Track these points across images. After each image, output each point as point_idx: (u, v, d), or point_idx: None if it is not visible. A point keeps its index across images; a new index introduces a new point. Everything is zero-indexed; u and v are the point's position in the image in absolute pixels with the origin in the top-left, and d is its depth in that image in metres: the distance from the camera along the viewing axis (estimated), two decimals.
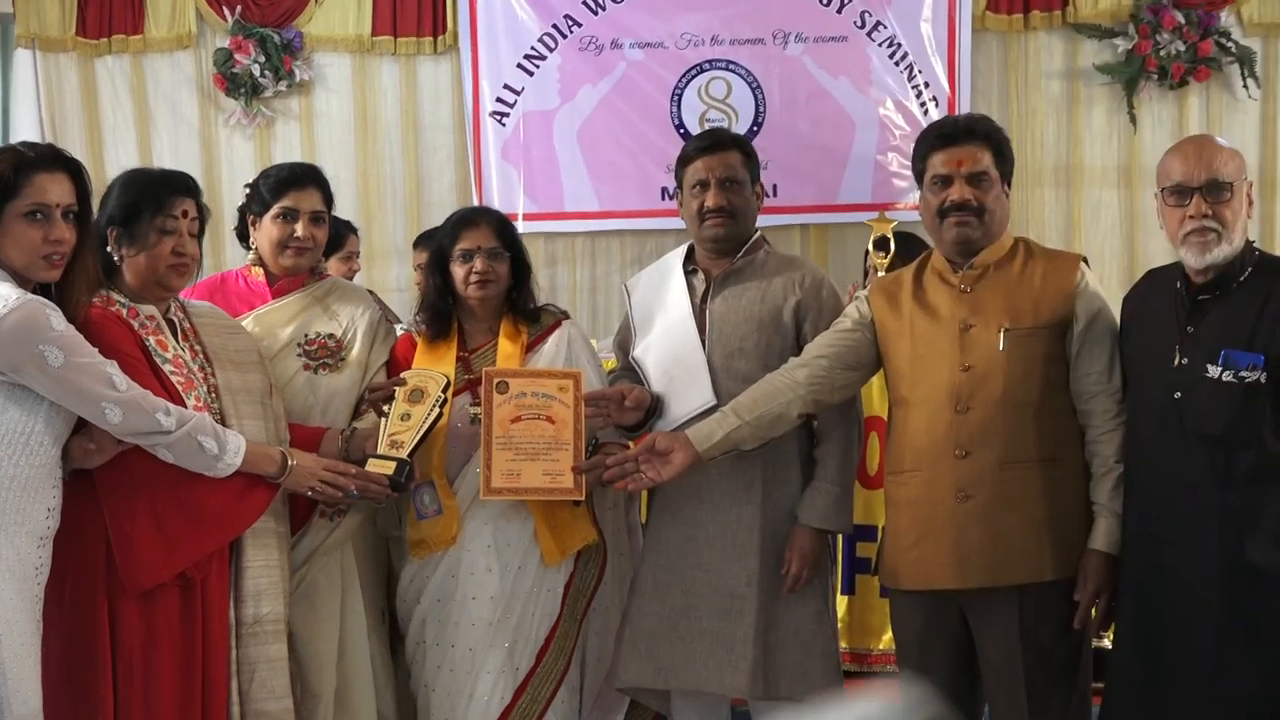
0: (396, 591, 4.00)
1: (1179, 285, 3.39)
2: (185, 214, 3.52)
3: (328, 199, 4.03)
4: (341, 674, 3.86)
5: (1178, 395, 3.29)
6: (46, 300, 3.14)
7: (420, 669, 3.92)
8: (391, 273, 7.54)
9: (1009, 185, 3.71)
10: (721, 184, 3.93)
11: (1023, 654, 3.49)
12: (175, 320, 3.60)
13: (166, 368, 3.44)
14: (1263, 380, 3.19)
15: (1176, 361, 3.31)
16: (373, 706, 3.93)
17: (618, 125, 7.43)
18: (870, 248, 5.64)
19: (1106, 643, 4.12)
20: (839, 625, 4.46)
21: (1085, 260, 3.69)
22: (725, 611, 3.81)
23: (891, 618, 3.91)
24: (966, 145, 3.64)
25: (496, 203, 7.10)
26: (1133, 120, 7.29)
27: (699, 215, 3.96)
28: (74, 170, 3.24)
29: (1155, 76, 7.21)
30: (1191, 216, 3.29)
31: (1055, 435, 3.53)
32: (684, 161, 4.05)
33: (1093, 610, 3.50)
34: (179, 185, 3.57)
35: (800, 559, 3.80)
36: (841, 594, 4.96)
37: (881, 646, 5.02)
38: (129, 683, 3.27)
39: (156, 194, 3.52)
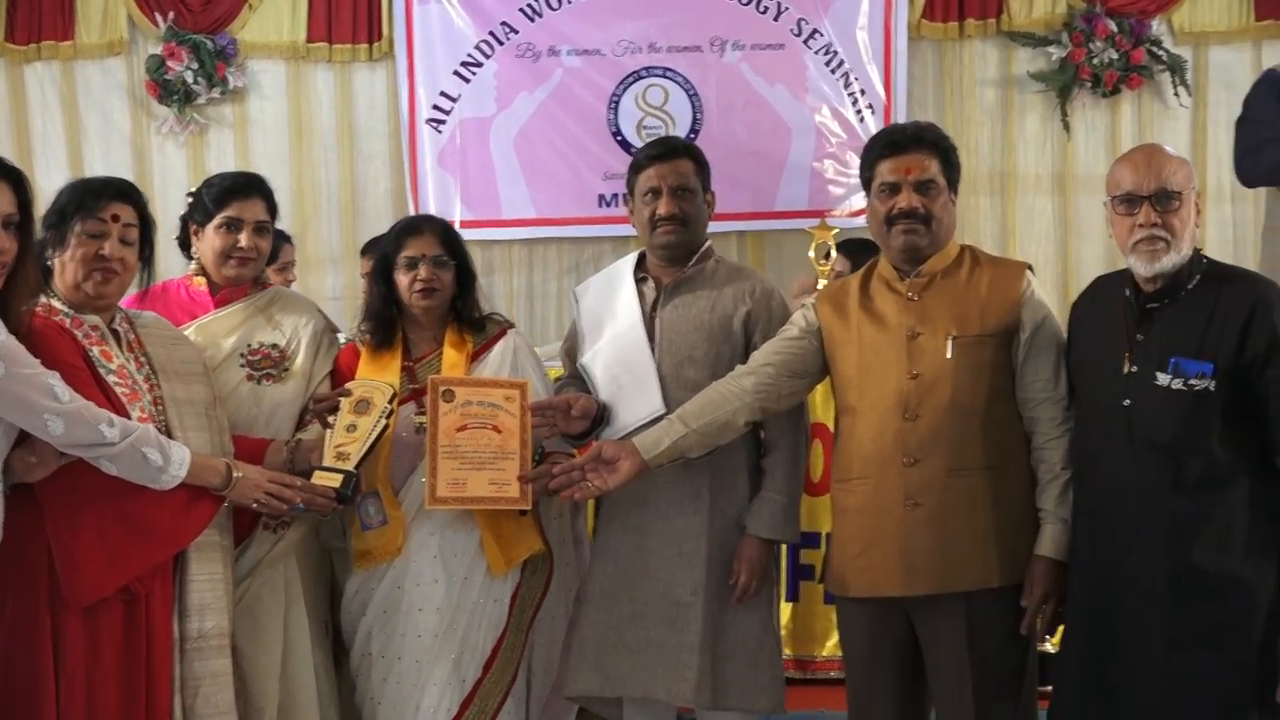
0: (341, 604, 3.96)
1: (1128, 293, 3.40)
2: (116, 218, 3.45)
3: (272, 209, 3.98)
4: (285, 687, 3.81)
5: (1126, 402, 3.30)
6: None
7: (366, 681, 3.89)
8: (327, 281, 7.51)
9: (955, 193, 3.72)
10: (673, 192, 3.92)
11: (970, 661, 3.49)
12: (120, 330, 3.54)
13: (110, 379, 3.39)
14: (1211, 388, 3.20)
15: (1126, 369, 3.33)
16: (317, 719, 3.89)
17: (555, 132, 7.44)
18: (811, 254, 5.64)
19: (1049, 647, 4.16)
20: (783, 632, 4.46)
21: (1030, 268, 3.70)
22: (672, 620, 3.80)
23: (839, 625, 3.91)
24: (914, 153, 3.65)
25: (433, 210, 7.10)
26: (1066, 127, 7.39)
27: (650, 223, 3.95)
28: (14, 179, 3.17)
29: (1089, 84, 7.32)
30: (1141, 225, 3.30)
31: (1002, 442, 3.54)
32: (635, 169, 4.03)
33: (1039, 616, 3.51)
34: (110, 190, 3.51)
35: (749, 569, 3.80)
36: (785, 601, 4.96)
37: (825, 653, 5.03)
38: (70, 698, 3.21)
39: (84, 197, 3.46)
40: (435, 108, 7.43)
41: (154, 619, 3.38)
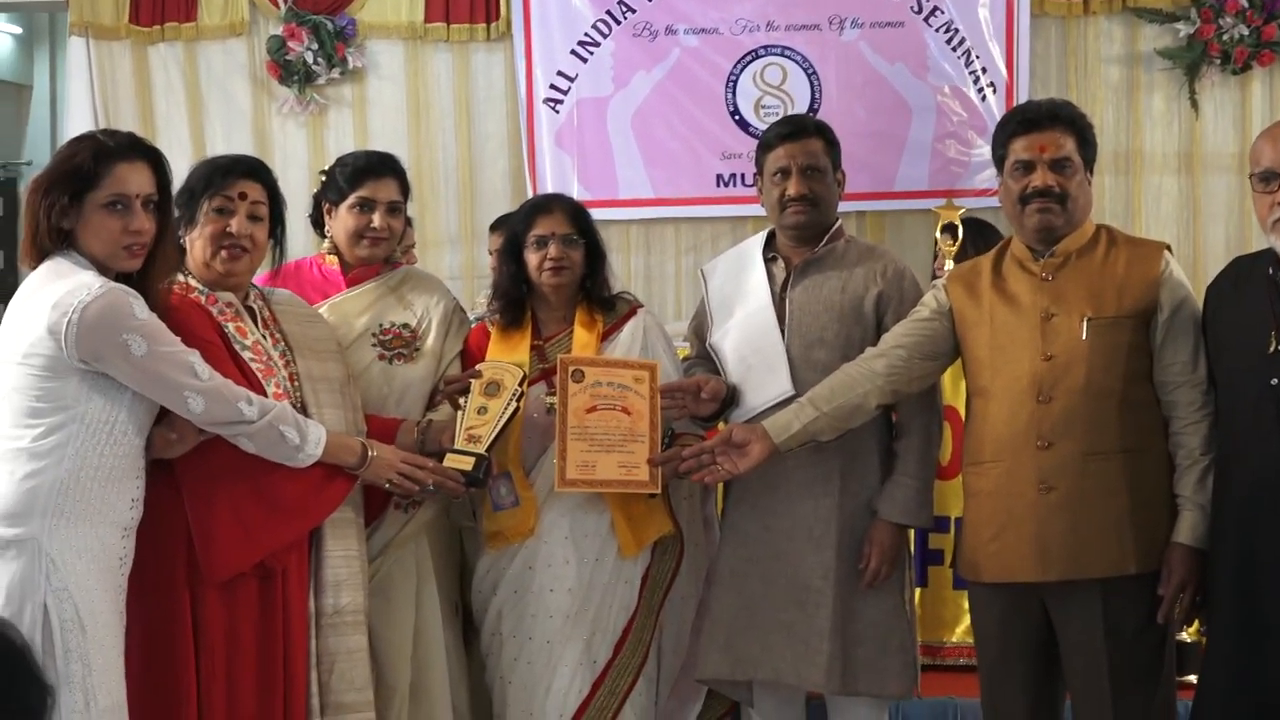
0: (471, 583, 3.97)
1: (1271, 271, 3.32)
2: (244, 196, 3.49)
3: (404, 189, 3.99)
4: (416, 666, 3.83)
5: (1275, 381, 3.22)
6: (129, 288, 3.10)
7: (496, 661, 3.90)
8: (445, 261, 7.49)
9: (1092, 172, 3.65)
10: (803, 171, 3.88)
11: (1106, 647, 3.44)
12: (255, 308, 3.58)
13: (246, 354, 3.42)
14: None
15: (1274, 347, 3.24)
16: (448, 699, 3.90)
17: (672, 112, 7.39)
18: (938, 234, 5.58)
19: (1187, 636, 4.09)
20: None
21: (1169, 248, 3.63)
22: (802, 604, 3.78)
23: (970, 610, 3.87)
24: (1050, 131, 3.58)
25: (550, 190, 7.05)
26: (1194, 106, 7.22)
27: (780, 203, 3.91)
28: (154, 159, 3.21)
29: (1218, 61, 7.13)
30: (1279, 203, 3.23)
31: (1138, 426, 3.47)
32: (765, 148, 3.99)
33: (1177, 604, 3.44)
34: (239, 168, 3.55)
35: (879, 553, 3.77)
36: (914, 586, 4.91)
37: (954, 639, 4.98)
38: (211, 674, 3.26)
39: (212, 175, 3.51)
40: (552, 87, 7.41)
41: (290, 595, 3.41)
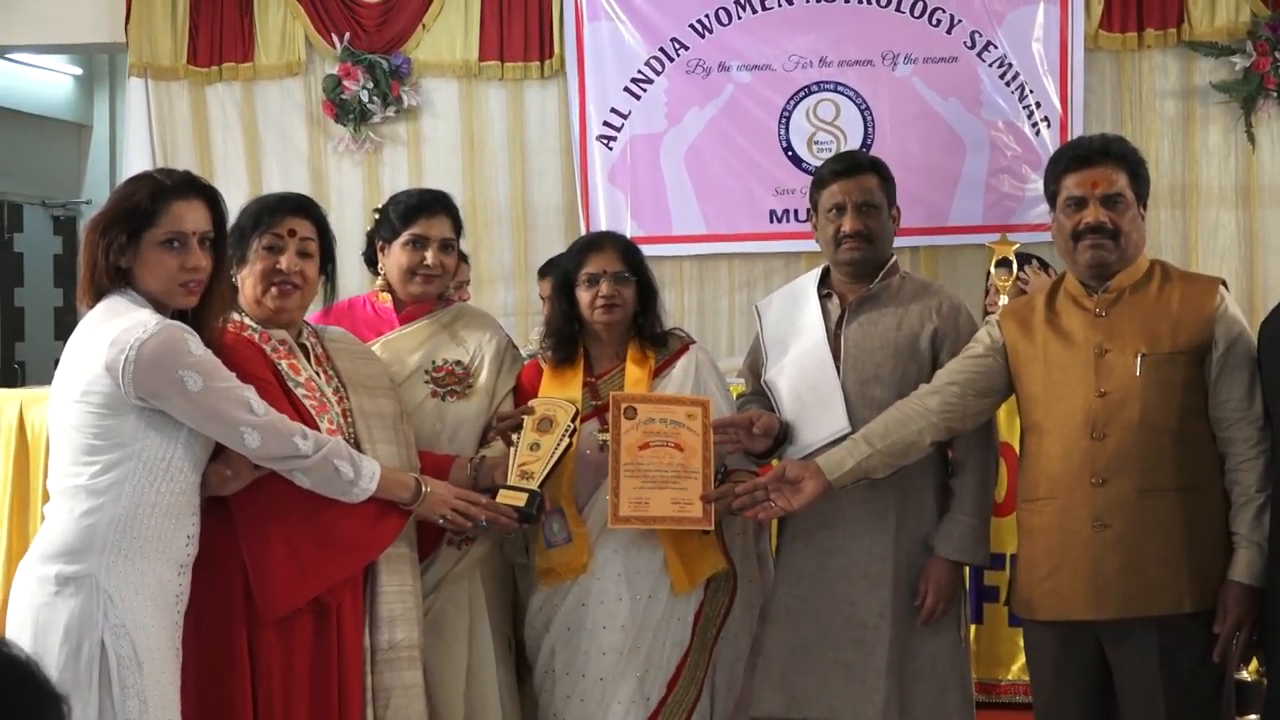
0: (524, 620, 3.96)
1: None
2: (293, 233, 3.51)
3: (457, 226, 4.01)
4: (469, 703, 3.83)
5: None
6: (184, 325, 3.13)
7: (549, 698, 3.88)
8: (499, 297, 7.56)
9: (1145, 208, 3.63)
10: (859, 208, 3.87)
11: (1163, 686, 3.40)
12: (308, 345, 3.60)
13: (299, 391, 3.44)
14: None
15: None
16: None
17: (725, 148, 7.44)
18: (992, 269, 5.56)
19: (1247, 675, 4.05)
20: None
21: (1225, 283, 3.60)
22: (858, 642, 3.75)
23: (1025, 648, 3.84)
24: (1101, 166, 3.56)
25: (604, 226, 7.10)
26: (1250, 139, 7.20)
27: (835, 239, 3.90)
28: (210, 197, 3.23)
29: (1274, 94, 7.12)
30: None
31: (1194, 463, 3.44)
32: (819, 184, 3.97)
33: (1234, 643, 3.40)
34: (287, 205, 3.58)
35: (935, 591, 3.75)
36: (969, 623, 4.89)
37: (1010, 677, 4.96)
38: (268, 711, 3.26)
39: (261, 213, 3.53)
40: (606, 124, 7.47)
41: (345, 631, 3.41)
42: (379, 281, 4.03)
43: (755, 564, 4.08)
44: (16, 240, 9.21)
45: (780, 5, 7.39)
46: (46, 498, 3.17)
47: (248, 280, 3.51)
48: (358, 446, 3.47)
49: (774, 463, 3.98)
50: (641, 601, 3.81)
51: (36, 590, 3.01)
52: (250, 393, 3.18)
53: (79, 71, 9.61)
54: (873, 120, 7.31)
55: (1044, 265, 5.77)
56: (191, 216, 3.16)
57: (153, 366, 3.01)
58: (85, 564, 2.99)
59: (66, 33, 7.98)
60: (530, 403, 3.85)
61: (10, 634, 3.06)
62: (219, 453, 3.23)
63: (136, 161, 7.46)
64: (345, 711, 3.40)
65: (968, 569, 4.00)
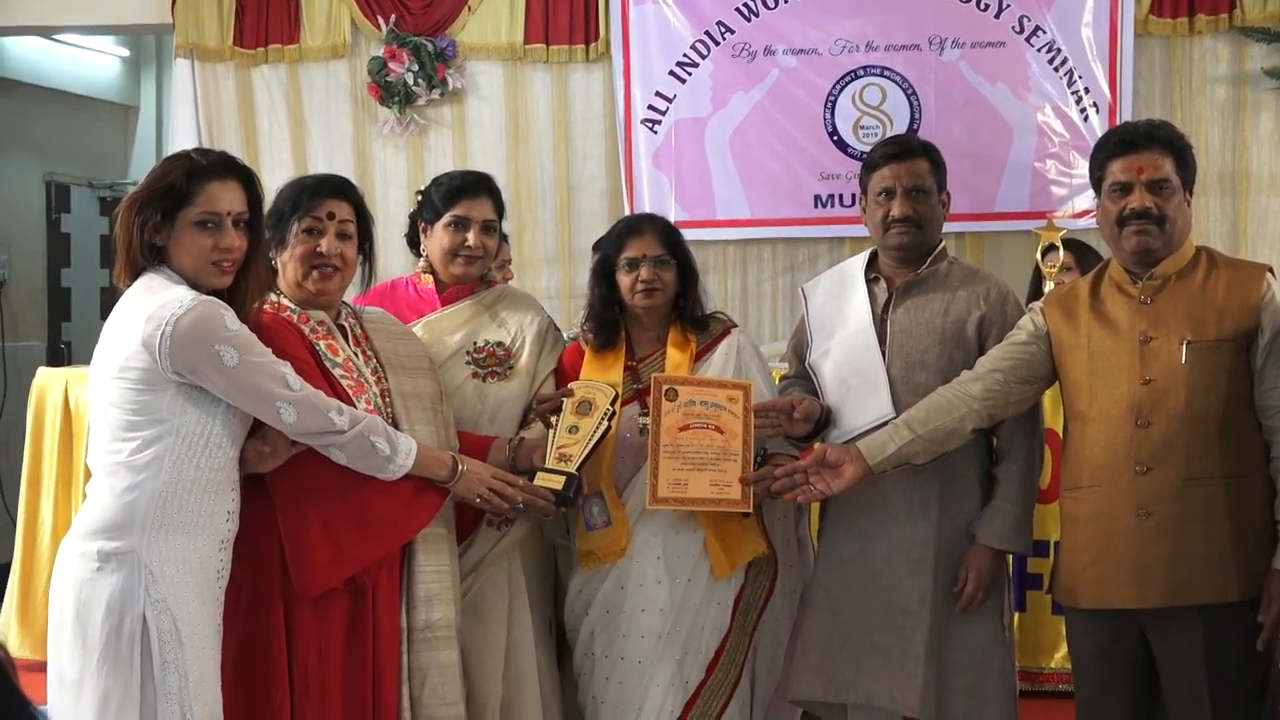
0: (564, 602, 3.97)
1: None
2: (332, 215, 3.52)
3: (499, 208, 4.01)
4: (508, 685, 3.84)
5: None
6: (220, 300, 3.14)
7: (589, 680, 3.89)
8: (542, 280, 7.53)
9: (1191, 193, 3.59)
10: (908, 193, 3.85)
11: (1207, 675, 3.36)
12: (346, 325, 3.61)
13: (337, 371, 3.45)
14: None
15: None
16: (539, 718, 3.90)
17: (770, 133, 7.37)
18: (1039, 256, 5.50)
19: None
20: None
21: (1272, 270, 3.56)
22: (898, 628, 3.74)
23: (1068, 636, 3.81)
24: (1147, 152, 3.53)
25: (647, 210, 7.05)
26: None
27: (884, 223, 3.87)
28: (246, 178, 3.24)
29: None
30: None
31: (1239, 451, 3.40)
32: (870, 168, 3.95)
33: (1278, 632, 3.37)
34: (325, 187, 3.58)
35: (976, 578, 3.72)
36: (1013, 610, 4.86)
37: (1053, 665, 4.93)
38: (304, 688, 3.28)
39: (299, 196, 3.54)
40: (651, 108, 7.43)
41: (380, 611, 3.42)
42: (421, 263, 4.05)
43: (796, 549, 4.07)
44: (64, 220, 9.23)
45: None
46: (89, 475, 3.18)
47: (289, 264, 3.52)
48: (395, 427, 3.47)
49: (815, 446, 3.95)
50: (680, 585, 3.81)
51: (79, 566, 3.04)
52: (286, 368, 3.19)
53: (126, 53, 9.63)
54: (919, 105, 7.24)
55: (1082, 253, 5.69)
56: (227, 197, 3.17)
57: (189, 341, 3.02)
58: (127, 540, 3.02)
59: (114, 14, 7.99)
60: (570, 385, 3.85)
61: (53, 610, 3.11)
62: (256, 429, 3.25)
63: (182, 143, 7.45)
64: (380, 690, 3.41)
65: (1011, 557, 3.97)
